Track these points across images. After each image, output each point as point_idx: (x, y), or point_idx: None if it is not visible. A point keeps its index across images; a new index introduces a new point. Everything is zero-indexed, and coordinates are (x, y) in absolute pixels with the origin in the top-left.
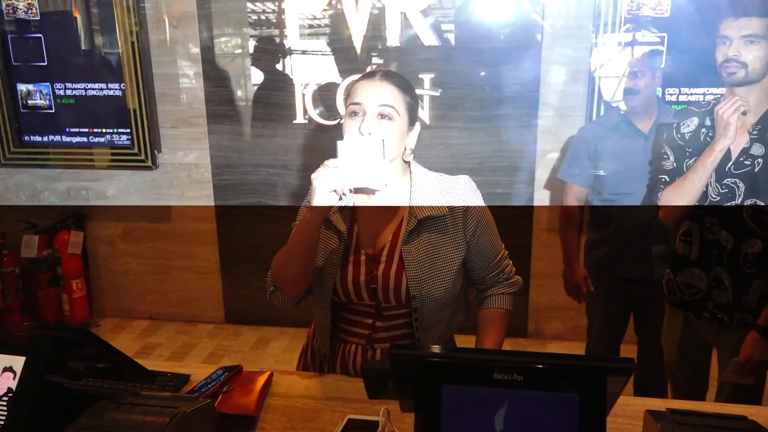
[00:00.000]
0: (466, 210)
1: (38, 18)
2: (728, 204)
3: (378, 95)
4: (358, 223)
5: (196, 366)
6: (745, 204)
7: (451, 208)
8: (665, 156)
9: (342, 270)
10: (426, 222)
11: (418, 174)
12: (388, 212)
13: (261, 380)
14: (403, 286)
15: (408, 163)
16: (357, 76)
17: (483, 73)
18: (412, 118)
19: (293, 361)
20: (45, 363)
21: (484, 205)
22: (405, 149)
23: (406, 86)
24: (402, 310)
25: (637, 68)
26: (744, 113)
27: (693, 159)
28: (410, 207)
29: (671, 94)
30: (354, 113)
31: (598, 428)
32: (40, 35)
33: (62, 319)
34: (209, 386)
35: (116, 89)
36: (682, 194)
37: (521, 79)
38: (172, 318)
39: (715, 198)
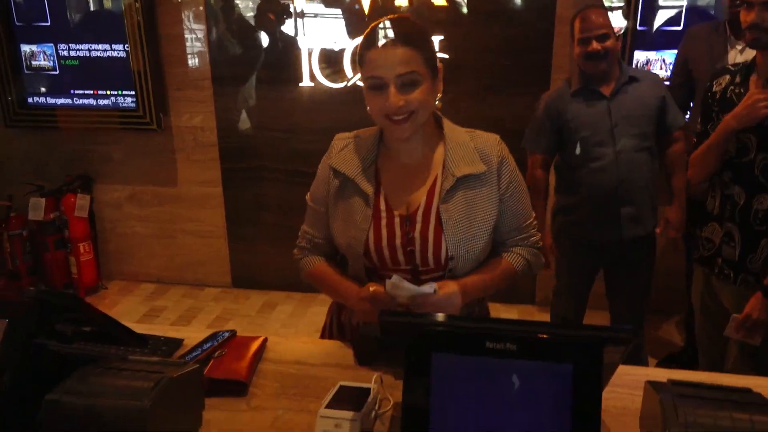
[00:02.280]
0: (500, 166)
1: None
2: (743, 159)
3: (396, 64)
4: (384, 184)
5: (191, 331)
6: (758, 157)
7: (487, 164)
8: (698, 120)
9: (375, 234)
10: (463, 180)
11: (450, 129)
12: (420, 170)
13: (254, 345)
14: (443, 247)
15: (439, 118)
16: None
17: (494, 36)
18: (434, 67)
19: (299, 326)
20: (29, 326)
21: (509, 154)
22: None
23: (420, 38)
24: (437, 273)
25: (599, 32)
26: None
27: (719, 117)
28: (445, 164)
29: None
30: (376, 86)
31: (593, 399)
32: None
33: (71, 282)
34: (201, 351)
35: (120, 50)
36: (703, 162)
37: (533, 43)
38: (178, 282)
39: (733, 153)
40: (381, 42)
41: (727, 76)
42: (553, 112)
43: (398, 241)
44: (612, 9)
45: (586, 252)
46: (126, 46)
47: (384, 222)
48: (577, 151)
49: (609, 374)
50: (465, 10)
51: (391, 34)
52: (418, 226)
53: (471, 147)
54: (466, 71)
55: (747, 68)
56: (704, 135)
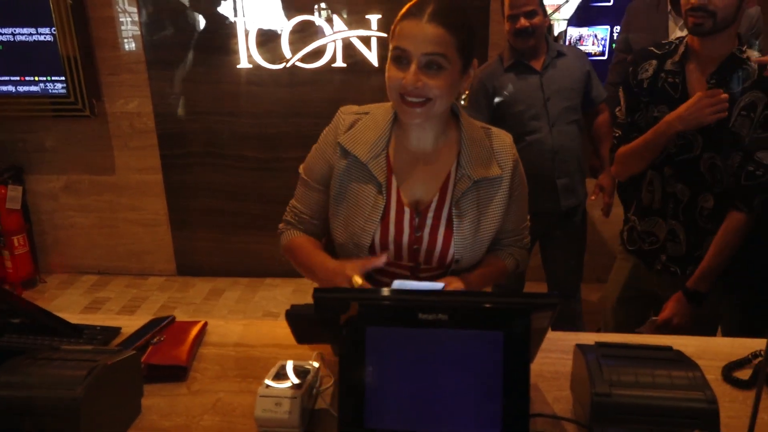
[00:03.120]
0: (514, 171)
1: None
2: (686, 156)
3: (424, 41)
4: (395, 171)
5: (132, 320)
6: (703, 156)
7: (503, 168)
8: (619, 107)
9: (383, 227)
10: (478, 182)
11: (467, 123)
12: (432, 161)
13: (194, 330)
14: (451, 250)
15: (456, 109)
16: (309, 20)
17: None
18: (467, 60)
19: (246, 311)
20: None
21: (519, 160)
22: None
23: (460, 24)
24: (437, 272)
25: (527, 8)
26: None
27: (650, 108)
28: (460, 161)
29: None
30: (398, 59)
31: (523, 364)
32: None
33: (4, 276)
34: (139, 338)
35: (47, 34)
36: (635, 160)
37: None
38: (121, 272)
39: (673, 150)
40: (419, 15)
41: (654, 61)
42: (488, 88)
43: (405, 239)
44: None
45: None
46: (53, 29)
47: (393, 215)
48: (511, 126)
49: (539, 339)
50: None
51: (432, 9)
52: (428, 227)
53: (487, 146)
54: None
55: (681, 56)
56: (631, 126)
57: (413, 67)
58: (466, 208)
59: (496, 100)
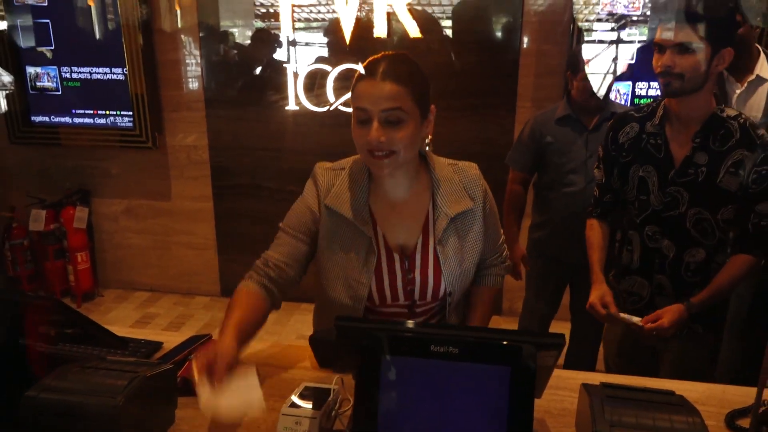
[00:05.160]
0: (484, 198)
1: (46, 4)
2: (672, 213)
3: (381, 98)
4: (378, 222)
5: (170, 335)
6: (689, 212)
7: (474, 199)
8: (598, 167)
9: (377, 275)
10: (456, 217)
11: (436, 165)
12: (410, 206)
13: None
14: (442, 285)
15: (424, 154)
16: (353, 69)
17: (466, 64)
18: (424, 108)
19: (282, 333)
20: (9, 326)
21: (487, 186)
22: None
23: (412, 76)
24: (433, 304)
25: (589, 67)
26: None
27: (632, 169)
28: (435, 201)
29: (641, 89)
30: (360, 119)
31: (527, 398)
32: (48, 20)
33: (68, 289)
34: (178, 353)
35: (119, 73)
36: (591, 251)
37: (501, 71)
38: (171, 290)
39: (659, 207)
40: (372, 75)
41: (635, 124)
42: (536, 134)
43: (399, 282)
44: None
45: (554, 268)
46: (125, 69)
47: (385, 264)
48: (551, 175)
49: (546, 377)
50: (439, 40)
51: (384, 69)
52: (418, 268)
53: (457, 182)
54: (441, 96)
55: (660, 118)
56: (606, 188)
57: (375, 124)
58: (448, 244)
59: (542, 147)
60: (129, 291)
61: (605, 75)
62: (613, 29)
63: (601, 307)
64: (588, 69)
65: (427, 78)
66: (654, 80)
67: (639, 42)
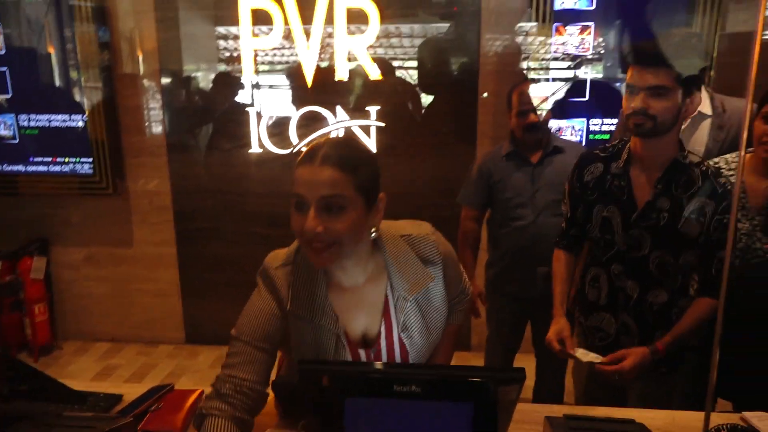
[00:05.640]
0: (444, 259)
1: (3, 52)
2: (635, 254)
3: (319, 184)
4: (341, 317)
5: (131, 387)
6: (652, 255)
7: (434, 268)
8: (565, 201)
9: None
10: (418, 296)
11: (388, 245)
12: (367, 292)
13: (191, 398)
14: (410, 361)
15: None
16: (316, 111)
17: (426, 105)
18: (370, 196)
19: None
20: None
21: (443, 237)
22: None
23: (355, 162)
24: None
25: (531, 106)
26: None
27: (596, 207)
28: (394, 286)
29: (595, 125)
30: (298, 205)
31: None
32: (5, 68)
33: (25, 342)
34: (139, 405)
35: (79, 120)
36: (554, 283)
37: (461, 110)
38: (133, 340)
39: (623, 248)
40: (311, 161)
41: (600, 164)
42: (484, 172)
43: None
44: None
45: (512, 304)
46: (84, 116)
47: (349, 356)
48: (500, 211)
49: (509, 411)
50: (401, 82)
51: (323, 153)
52: (384, 353)
53: (413, 257)
54: (403, 134)
55: (625, 161)
56: (572, 222)
57: (312, 212)
58: (412, 326)
59: (491, 184)
60: (89, 342)
61: (545, 112)
62: (569, 68)
63: (557, 343)
64: (522, 107)
65: (375, 164)
66: (608, 117)
67: (591, 80)
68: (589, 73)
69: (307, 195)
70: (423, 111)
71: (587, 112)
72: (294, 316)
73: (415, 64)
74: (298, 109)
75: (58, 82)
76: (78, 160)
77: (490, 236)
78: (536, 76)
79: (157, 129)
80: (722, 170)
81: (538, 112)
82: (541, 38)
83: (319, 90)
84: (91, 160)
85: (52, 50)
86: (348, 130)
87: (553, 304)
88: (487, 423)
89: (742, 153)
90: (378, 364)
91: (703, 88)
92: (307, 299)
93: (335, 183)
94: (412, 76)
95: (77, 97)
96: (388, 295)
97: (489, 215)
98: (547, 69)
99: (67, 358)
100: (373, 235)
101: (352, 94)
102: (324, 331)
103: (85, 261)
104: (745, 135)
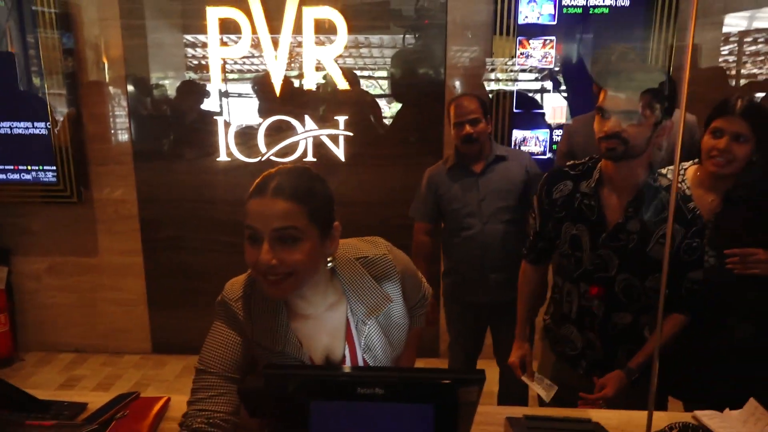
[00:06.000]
0: (403, 278)
1: None
2: (602, 274)
3: (272, 216)
4: (304, 344)
5: (96, 395)
6: (618, 277)
7: (393, 288)
8: (532, 215)
9: None
10: (378, 317)
11: (344, 270)
12: (327, 317)
13: (157, 406)
14: None
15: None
16: (285, 120)
17: (394, 115)
18: (325, 226)
19: None
20: None
21: (400, 251)
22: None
23: (309, 193)
24: None
25: (471, 116)
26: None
27: (565, 225)
28: (354, 311)
29: (558, 135)
30: (251, 237)
31: None
32: None
33: None
34: (103, 414)
35: (42, 128)
36: (519, 302)
37: (427, 121)
38: (98, 350)
39: (590, 267)
40: (263, 193)
41: (569, 182)
42: (432, 186)
43: None
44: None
45: (470, 311)
46: (48, 123)
47: None
48: (450, 222)
49: (470, 412)
50: (368, 92)
51: (275, 185)
52: None
53: (369, 280)
54: (370, 144)
55: (596, 181)
56: (540, 236)
57: (265, 245)
58: (375, 346)
59: (438, 197)
60: (52, 353)
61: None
62: (536, 79)
63: (519, 368)
64: (458, 119)
65: (329, 193)
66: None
67: (554, 92)
68: (552, 86)
69: (260, 227)
70: (392, 121)
71: (547, 124)
72: (258, 346)
73: (384, 74)
74: (265, 118)
75: (20, 89)
76: (41, 168)
77: (444, 247)
78: (504, 88)
79: (123, 137)
80: (669, 178)
81: (479, 125)
82: (506, 51)
83: (288, 99)
84: (54, 168)
85: (14, 56)
86: (300, 163)
87: (509, 311)
88: (447, 424)
89: (676, 166)
90: (342, 368)
91: None
92: (270, 329)
93: (288, 215)
94: (382, 85)
95: (40, 104)
96: (349, 318)
97: (443, 225)
98: (514, 81)
99: (29, 370)
100: (330, 265)
101: (320, 103)
102: (289, 359)
103: (48, 271)
104: (678, 148)
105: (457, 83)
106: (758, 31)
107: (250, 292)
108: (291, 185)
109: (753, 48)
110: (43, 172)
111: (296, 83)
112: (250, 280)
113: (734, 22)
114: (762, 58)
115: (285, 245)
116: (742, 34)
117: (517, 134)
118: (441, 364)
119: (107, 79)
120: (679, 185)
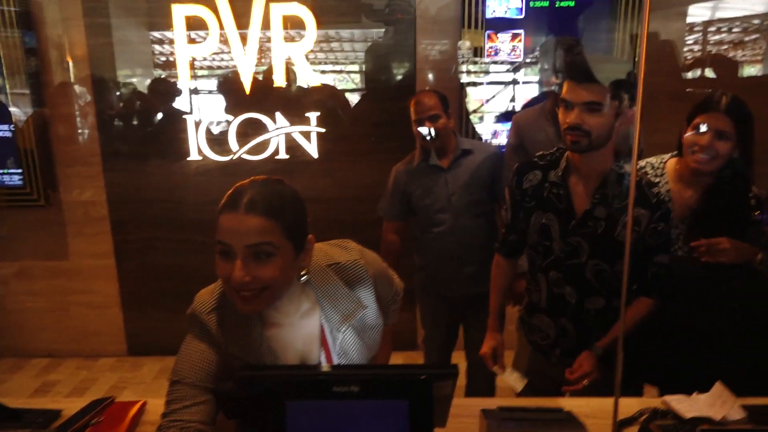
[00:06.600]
0: (375, 281)
1: None
2: (573, 261)
3: (246, 233)
4: (279, 350)
5: (71, 401)
6: (589, 263)
7: (366, 293)
8: (505, 207)
9: None
10: (351, 324)
11: (317, 279)
12: (301, 325)
13: (132, 411)
14: None
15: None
16: (255, 118)
17: (364, 112)
18: (298, 240)
19: None
20: None
21: (371, 253)
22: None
23: (282, 207)
24: None
25: (431, 113)
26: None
27: (535, 215)
28: (328, 318)
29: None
30: (223, 253)
31: (427, 429)
32: None
33: None
34: (78, 420)
35: (6, 130)
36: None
37: (398, 116)
38: (72, 354)
39: (561, 255)
40: (235, 208)
41: (538, 172)
42: (400, 184)
43: None
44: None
45: (443, 305)
46: (11, 126)
47: None
48: (421, 219)
49: (445, 406)
50: (338, 88)
51: (248, 200)
52: None
53: (342, 286)
54: (341, 140)
55: (564, 170)
56: (511, 228)
57: (238, 262)
58: (350, 350)
59: (407, 194)
60: (24, 359)
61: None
62: (507, 71)
63: (491, 360)
64: (417, 115)
65: (303, 206)
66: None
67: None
68: (520, 79)
69: (233, 243)
70: (363, 116)
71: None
72: (233, 356)
73: (356, 68)
74: (235, 116)
75: None
76: (6, 171)
77: (415, 243)
78: (475, 80)
79: (91, 138)
80: (648, 174)
81: (439, 120)
82: (474, 45)
83: (258, 97)
84: (20, 171)
85: None
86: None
87: (482, 304)
88: (423, 418)
89: (635, 153)
90: (317, 367)
91: None
92: (244, 340)
93: (262, 231)
94: (354, 79)
95: (2, 106)
96: (323, 325)
97: (414, 221)
98: (485, 73)
99: (1, 377)
100: (303, 278)
101: (291, 100)
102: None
103: (18, 275)
104: (636, 141)
105: (429, 76)
106: (721, 20)
107: (222, 304)
108: (264, 200)
109: (717, 37)
110: (8, 176)
111: (266, 80)
112: (220, 292)
113: (698, 12)
114: (726, 47)
115: (259, 261)
116: (706, 24)
117: (488, 127)
118: (419, 357)
119: (72, 79)
120: (658, 179)
